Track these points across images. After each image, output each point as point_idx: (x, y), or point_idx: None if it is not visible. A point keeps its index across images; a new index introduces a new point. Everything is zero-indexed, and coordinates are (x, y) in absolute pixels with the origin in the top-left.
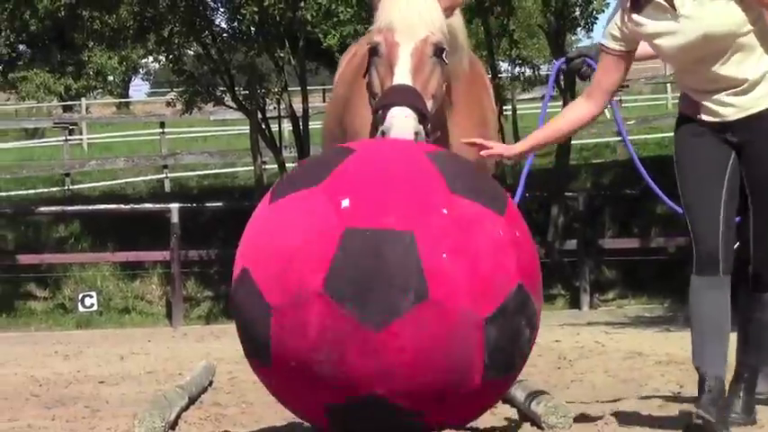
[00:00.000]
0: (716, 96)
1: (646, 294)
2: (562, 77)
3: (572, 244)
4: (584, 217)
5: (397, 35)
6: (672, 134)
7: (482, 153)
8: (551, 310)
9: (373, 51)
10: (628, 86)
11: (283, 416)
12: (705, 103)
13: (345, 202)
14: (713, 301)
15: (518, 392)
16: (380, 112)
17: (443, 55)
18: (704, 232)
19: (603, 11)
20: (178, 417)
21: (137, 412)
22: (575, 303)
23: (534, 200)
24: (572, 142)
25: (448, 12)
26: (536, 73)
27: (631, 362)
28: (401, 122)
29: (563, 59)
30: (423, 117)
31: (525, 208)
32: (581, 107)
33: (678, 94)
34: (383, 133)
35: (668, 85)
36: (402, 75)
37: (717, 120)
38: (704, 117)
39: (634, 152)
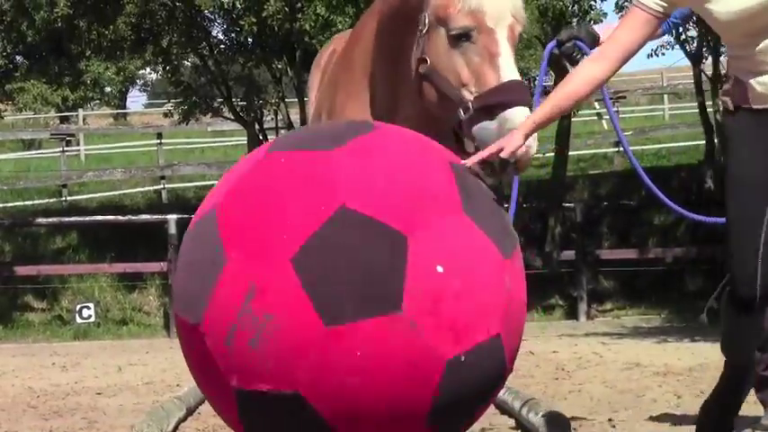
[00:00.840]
0: None
1: (643, 305)
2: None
3: (570, 254)
4: (581, 227)
5: (488, 19)
6: (669, 145)
7: (475, 160)
8: (549, 321)
9: (462, 36)
10: (625, 98)
11: None
12: (758, 87)
13: (350, 179)
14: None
15: (515, 403)
16: (490, 111)
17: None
18: (743, 260)
19: (601, 20)
20: (176, 428)
21: (134, 424)
22: (572, 314)
23: (532, 210)
24: (569, 153)
25: None
26: (533, 84)
27: (629, 373)
28: None
29: (554, 43)
30: None
31: (523, 219)
32: (592, 66)
33: (674, 105)
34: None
35: (665, 96)
36: (512, 69)
37: None
38: (755, 105)
39: (635, 159)
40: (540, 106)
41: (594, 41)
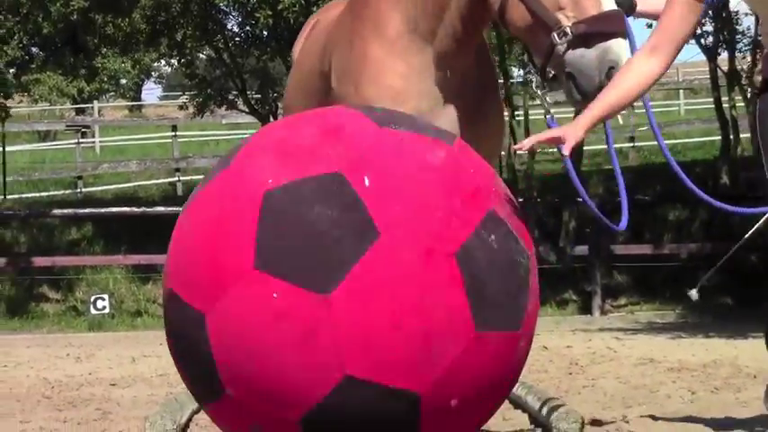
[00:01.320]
0: None
1: (657, 300)
2: None
3: (583, 249)
4: (595, 222)
5: None
6: (684, 140)
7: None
8: (563, 315)
9: None
10: None
11: None
12: None
13: (262, 166)
14: None
15: (529, 398)
16: (588, 40)
17: None
18: None
19: None
20: (189, 419)
21: (148, 415)
22: (586, 309)
23: (546, 205)
24: (584, 148)
25: None
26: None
27: (643, 368)
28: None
29: None
30: None
31: (536, 213)
32: (648, 62)
33: (689, 100)
34: (611, 68)
35: (681, 91)
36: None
37: None
38: None
39: (669, 154)
40: (597, 101)
41: (631, 9)
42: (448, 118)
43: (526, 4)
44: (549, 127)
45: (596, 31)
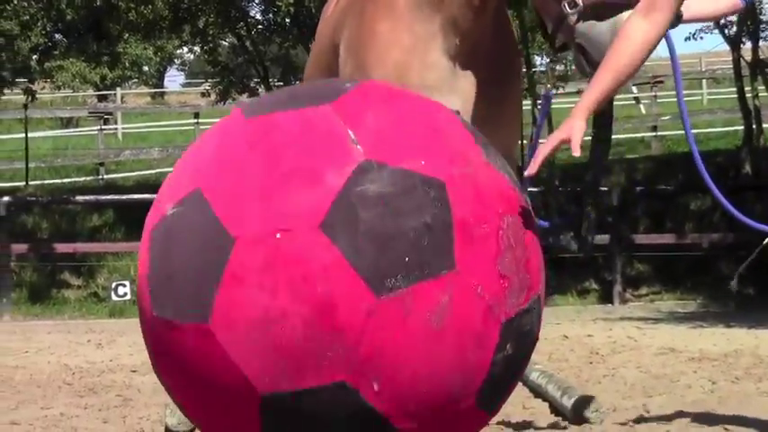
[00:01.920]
0: None
1: (679, 290)
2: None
3: (605, 239)
4: (617, 212)
5: None
6: (707, 130)
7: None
8: (584, 305)
9: None
10: (662, 82)
11: None
12: None
13: (365, 134)
14: None
15: (549, 387)
16: (601, 10)
17: None
18: None
19: None
20: None
21: (168, 402)
22: (607, 298)
23: (567, 194)
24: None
25: None
26: (569, 68)
27: (664, 358)
28: None
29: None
30: None
31: (558, 202)
32: (641, 28)
33: (712, 90)
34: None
35: (703, 80)
36: None
37: None
38: None
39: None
40: (592, 84)
41: (678, 19)
42: (459, 93)
43: None
44: (547, 97)
45: (611, 2)
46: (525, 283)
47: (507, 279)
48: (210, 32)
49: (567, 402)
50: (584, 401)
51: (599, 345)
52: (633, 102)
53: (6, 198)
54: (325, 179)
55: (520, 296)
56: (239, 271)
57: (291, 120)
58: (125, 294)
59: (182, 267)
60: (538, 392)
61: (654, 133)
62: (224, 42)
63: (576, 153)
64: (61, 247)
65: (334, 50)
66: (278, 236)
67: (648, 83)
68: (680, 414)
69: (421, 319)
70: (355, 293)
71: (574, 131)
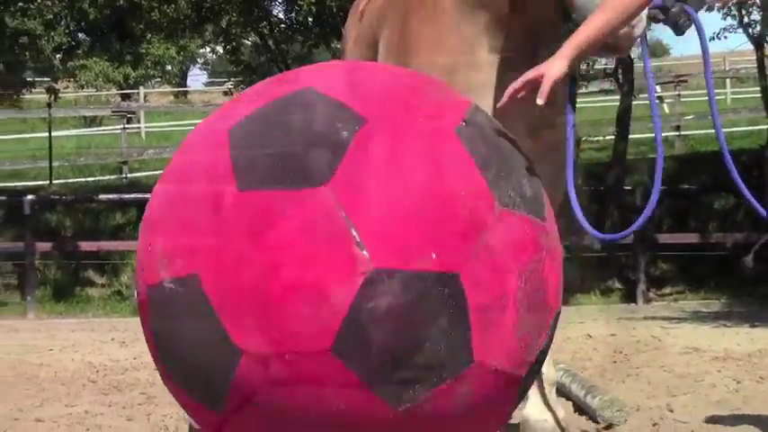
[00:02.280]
0: None
1: (703, 290)
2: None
3: (628, 238)
4: (640, 211)
5: None
6: (731, 129)
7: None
8: (607, 304)
9: None
10: (686, 81)
11: None
12: None
13: (370, 230)
14: None
15: (573, 386)
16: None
17: None
18: None
19: None
20: None
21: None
22: (630, 297)
23: (591, 193)
24: (630, 136)
25: None
26: (592, 67)
27: (688, 357)
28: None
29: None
30: None
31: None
32: None
33: (736, 89)
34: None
35: (728, 80)
36: None
37: None
38: None
39: (726, 147)
40: (586, 21)
41: (701, 3)
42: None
43: None
44: (573, 78)
45: None
46: (544, 320)
47: (526, 337)
48: (233, 31)
49: (591, 402)
50: (608, 401)
51: (623, 344)
52: (657, 101)
53: (30, 196)
54: (331, 297)
55: (539, 338)
56: (249, 386)
57: (289, 209)
58: None
59: (190, 362)
60: (561, 391)
61: (677, 133)
62: (246, 41)
63: (540, 101)
64: (85, 246)
65: (373, 46)
66: (287, 357)
67: (672, 82)
68: (704, 413)
69: (440, 415)
70: (374, 409)
71: (548, 74)
